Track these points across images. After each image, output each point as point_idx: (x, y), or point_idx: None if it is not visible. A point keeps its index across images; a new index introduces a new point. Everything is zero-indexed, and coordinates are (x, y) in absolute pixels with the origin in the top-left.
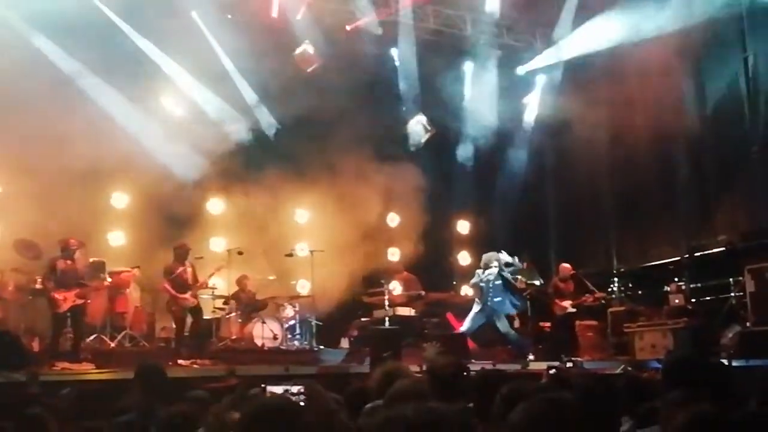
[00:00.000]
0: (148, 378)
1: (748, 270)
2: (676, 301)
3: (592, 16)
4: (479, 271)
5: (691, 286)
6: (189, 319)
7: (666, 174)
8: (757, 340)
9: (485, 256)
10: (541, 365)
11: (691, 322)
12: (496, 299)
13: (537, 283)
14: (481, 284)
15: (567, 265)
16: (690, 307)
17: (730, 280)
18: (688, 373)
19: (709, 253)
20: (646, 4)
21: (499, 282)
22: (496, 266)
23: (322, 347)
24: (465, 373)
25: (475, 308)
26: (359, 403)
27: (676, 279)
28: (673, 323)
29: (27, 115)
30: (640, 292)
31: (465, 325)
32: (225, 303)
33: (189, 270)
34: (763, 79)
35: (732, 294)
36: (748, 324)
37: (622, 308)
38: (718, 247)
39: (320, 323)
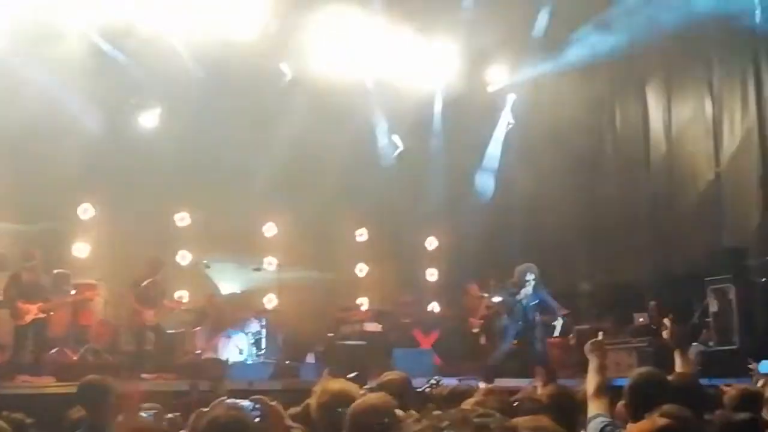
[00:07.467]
0: (90, 395)
1: (711, 290)
2: (641, 320)
3: (564, 36)
4: (519, 290)
5: (657, 305)
6: (152, 335)
7: (632, 193)
8: (719, 359)
9: (519, 269)
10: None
11: (654, 341)
12: (535, 318)
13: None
14: (516, 304)
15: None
16: (654, 326)
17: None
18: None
19: (674, 273)
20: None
21: (536, 302)
22: (532, 281)
23: (288, 362)
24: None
25: (507, 326)
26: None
27: (641, 298)
28: (637, 342)
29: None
30: (605, 310)
31: (502, 344)
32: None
33: (158, 284)
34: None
35: (695, 313)
36: (710, 343)
37: (587, 326)
38: (683, 267)
39: (286, 338)
